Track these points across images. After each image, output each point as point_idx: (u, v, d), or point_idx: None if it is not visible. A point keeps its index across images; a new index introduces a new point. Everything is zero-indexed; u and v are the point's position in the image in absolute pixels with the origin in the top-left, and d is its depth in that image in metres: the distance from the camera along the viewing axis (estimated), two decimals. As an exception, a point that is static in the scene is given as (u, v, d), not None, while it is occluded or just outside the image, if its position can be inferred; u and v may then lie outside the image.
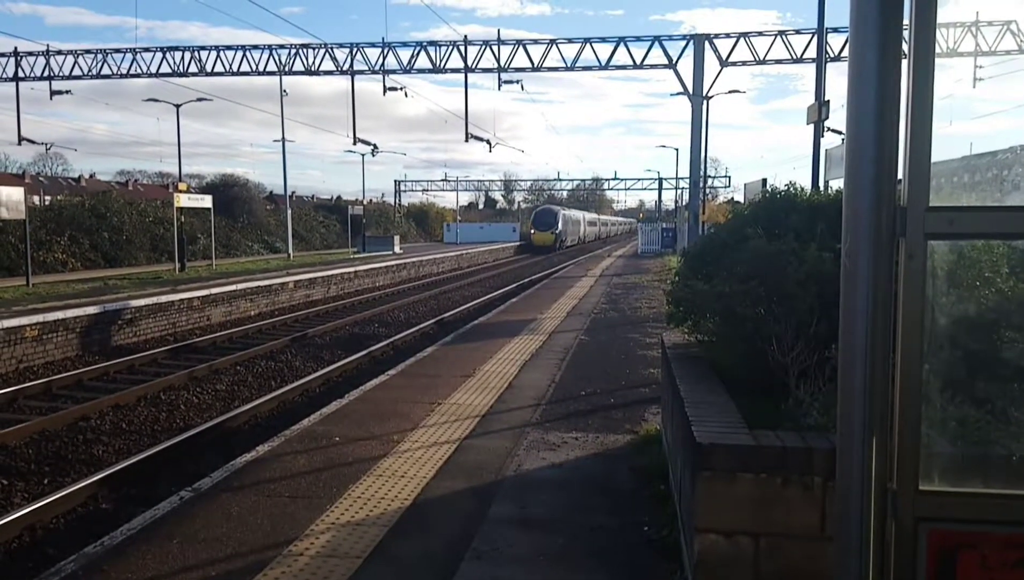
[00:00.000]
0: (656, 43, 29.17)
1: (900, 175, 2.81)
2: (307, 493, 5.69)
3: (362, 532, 4.97)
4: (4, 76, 33.05)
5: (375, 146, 36.28)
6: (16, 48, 32.92)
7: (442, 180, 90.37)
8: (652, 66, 29.63)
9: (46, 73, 32.56)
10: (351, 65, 31.34)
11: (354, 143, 33.54)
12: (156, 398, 10.97)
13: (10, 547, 6.28)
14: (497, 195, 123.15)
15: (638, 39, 29.59)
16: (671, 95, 40.97)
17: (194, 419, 10.08)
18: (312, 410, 8.62)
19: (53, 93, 32.69)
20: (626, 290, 22.82)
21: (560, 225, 61.29)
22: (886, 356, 2.65)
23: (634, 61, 29.60)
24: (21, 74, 32.78)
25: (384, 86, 31.02)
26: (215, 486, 5.87)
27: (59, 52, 32.69)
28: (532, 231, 60.66)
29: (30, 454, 8.53)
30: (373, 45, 31.17)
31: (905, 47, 2.72)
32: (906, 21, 2.76)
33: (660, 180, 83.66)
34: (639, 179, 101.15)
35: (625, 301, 19.66)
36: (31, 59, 32.77)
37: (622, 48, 29.44)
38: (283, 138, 37.38)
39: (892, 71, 2.72)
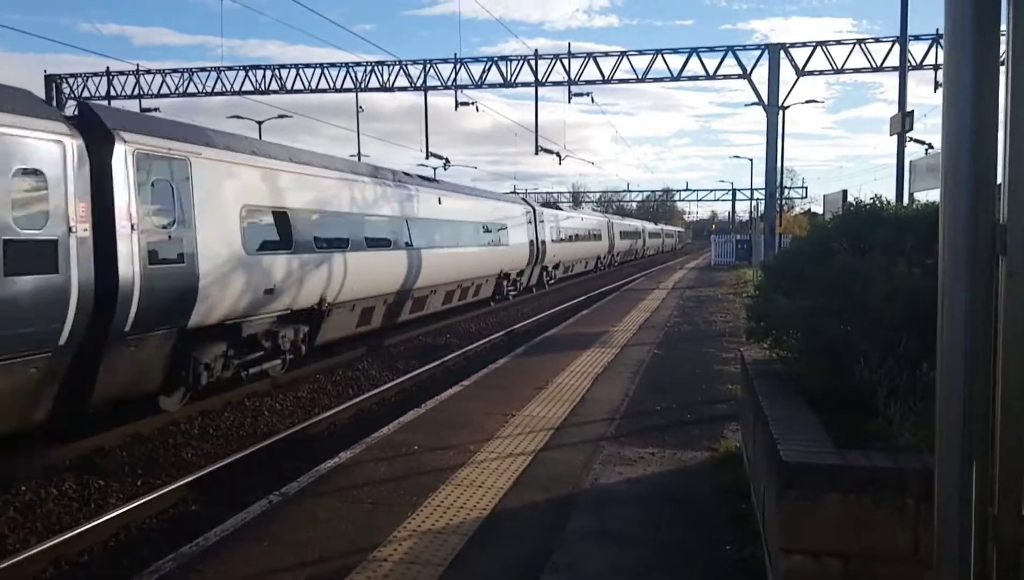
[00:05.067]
0: (729, 53, 28.76)
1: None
2: (388, 500, 5.82)
3: (442, 541, 5.06)
4: (97, 94, 34.71)
5: (447, 160, 36.73)
6: (108, 68, 34.53)
7: (511, 192, 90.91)
8: (726, 76, 29.23)
9: (136, 92, 34.07)
10: (424, 81, 31.86)
11: (426, 157, 34.05)
12: (240, 404, 11.35)
13: (107, 545, 6.60)
14: (565, 207, 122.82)
15: (711, 49, 29.24)
16: (745, 105, 40.35)
17: (277, 425, 10.40)
18: (389, 418, 8.79)
19: (143, 111, 34.20)
20: (699, 303, 22.54)
21: None
22: (986, 377, 2.59)
23: (707, 71, 29.26)
24: (113, 93, 34.39)
25: (456, 101, 31.44)
26: (302, 491, 6.06)
27: (148, 71, 34.19)
28: None
29: (123, 456, 8.94)
30: (445, 61, 31.62)
31: (1002, 56, 2.65)
32: (1003, 28, 2.69)
33: (733, 191, 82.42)
34: (711, 190, 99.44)
35: (699, 314, 19.42)
36: (122, 78, 34.35)
37: (694, 59, 29.13)
38: (359, 153, 38.30)
39: (989, 83, 2.66)
